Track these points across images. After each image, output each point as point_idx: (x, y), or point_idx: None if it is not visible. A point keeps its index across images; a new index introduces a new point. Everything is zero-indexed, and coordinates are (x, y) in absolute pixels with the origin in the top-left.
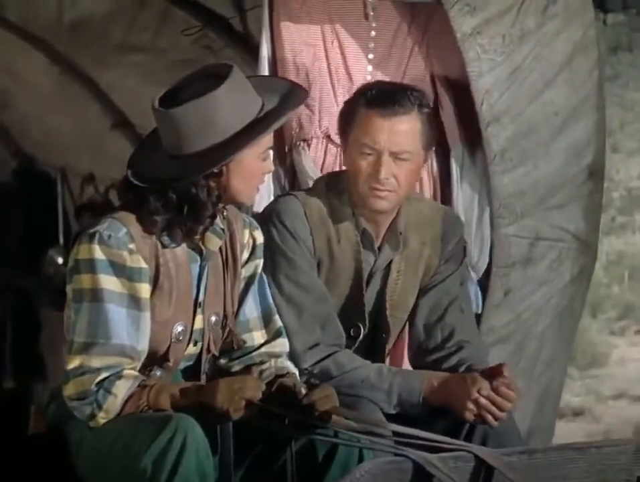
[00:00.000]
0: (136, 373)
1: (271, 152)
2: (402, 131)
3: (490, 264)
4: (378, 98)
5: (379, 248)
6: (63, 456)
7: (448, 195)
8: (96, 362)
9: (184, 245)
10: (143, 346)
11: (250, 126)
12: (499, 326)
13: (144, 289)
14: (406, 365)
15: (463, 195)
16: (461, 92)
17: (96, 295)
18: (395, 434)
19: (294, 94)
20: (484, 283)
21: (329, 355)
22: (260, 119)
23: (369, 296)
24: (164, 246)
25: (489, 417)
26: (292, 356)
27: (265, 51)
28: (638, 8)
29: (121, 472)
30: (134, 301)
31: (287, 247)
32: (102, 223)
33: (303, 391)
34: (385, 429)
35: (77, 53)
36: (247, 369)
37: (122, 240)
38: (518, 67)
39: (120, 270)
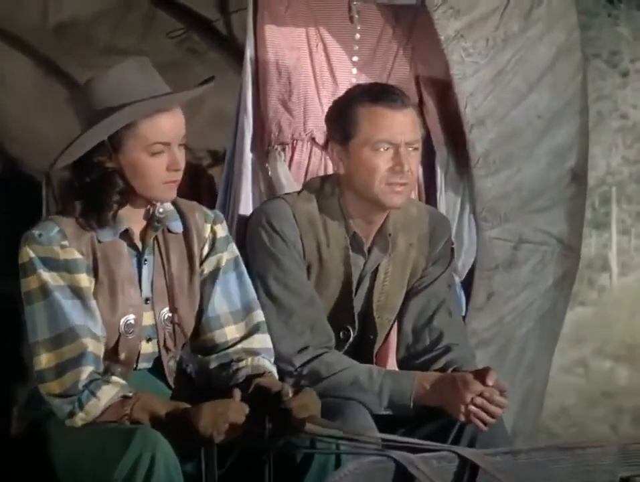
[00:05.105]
0: (123, 381)
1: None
2: (410, 122)
3: (473, 266)
4: (383, 93)
5: (369, 251)
6: (44, 456)
7: (431, 198)
8: (69, 353)
9: (120, 240)
10: (101, 331)
11: (122, 105)
12: (481, 329)
13: (83, 279)
14: (390, 365)
15: (446, 197)
16: (445, 94)
17: (44, 291)
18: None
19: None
20: (467, 286)
21: (317, 356)
22: (137, 101)
23: (358, 299)
24: (99, 241)
25: (479, 422)
26: (281, 359)
27: (249, 53)
28: None
29: (92, 478)
30: (75, 292)
31: (276, 249)
32: (36, 226)
33: (288, 389)
34: (365, 436)
35: (62, 55)
36: (222, 368)
37: (53, 238)
38: (502, 70)
39: (54, 264)
